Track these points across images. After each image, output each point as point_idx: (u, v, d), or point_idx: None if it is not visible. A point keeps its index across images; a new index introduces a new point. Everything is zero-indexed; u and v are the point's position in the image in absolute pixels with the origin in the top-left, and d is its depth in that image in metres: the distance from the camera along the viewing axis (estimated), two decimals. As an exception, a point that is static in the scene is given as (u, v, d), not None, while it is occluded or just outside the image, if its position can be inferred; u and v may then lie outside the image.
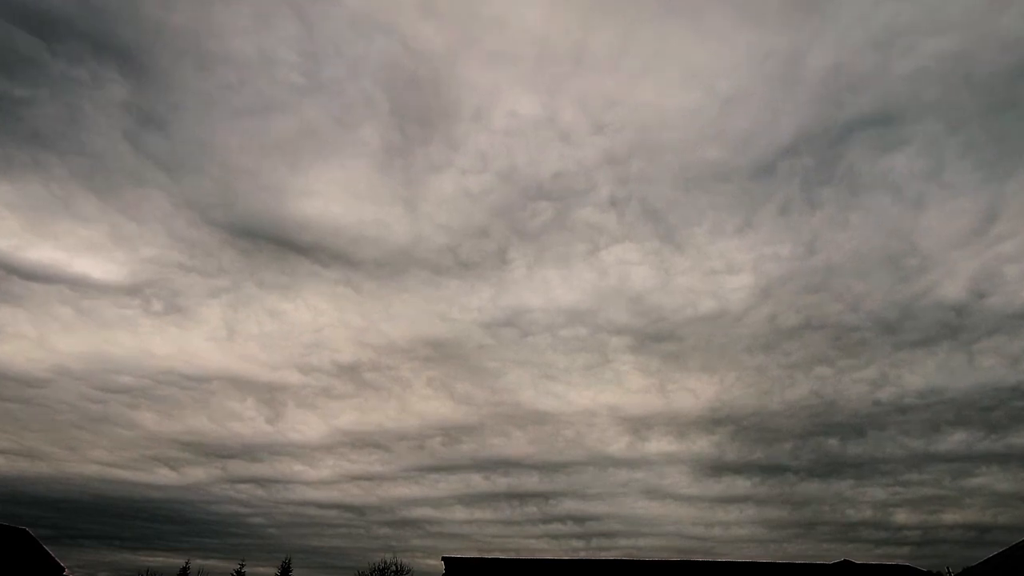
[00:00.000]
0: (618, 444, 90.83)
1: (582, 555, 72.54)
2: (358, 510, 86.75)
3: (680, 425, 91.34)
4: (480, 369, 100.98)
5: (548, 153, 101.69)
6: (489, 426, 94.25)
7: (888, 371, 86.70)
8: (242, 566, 47.14)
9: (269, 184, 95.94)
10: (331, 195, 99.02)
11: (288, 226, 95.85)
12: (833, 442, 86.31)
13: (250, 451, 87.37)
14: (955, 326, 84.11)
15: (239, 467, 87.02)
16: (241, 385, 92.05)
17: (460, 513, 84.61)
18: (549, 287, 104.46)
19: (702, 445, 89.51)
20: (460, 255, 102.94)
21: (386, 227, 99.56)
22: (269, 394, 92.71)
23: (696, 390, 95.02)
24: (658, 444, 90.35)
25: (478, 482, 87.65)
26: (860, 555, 68.11)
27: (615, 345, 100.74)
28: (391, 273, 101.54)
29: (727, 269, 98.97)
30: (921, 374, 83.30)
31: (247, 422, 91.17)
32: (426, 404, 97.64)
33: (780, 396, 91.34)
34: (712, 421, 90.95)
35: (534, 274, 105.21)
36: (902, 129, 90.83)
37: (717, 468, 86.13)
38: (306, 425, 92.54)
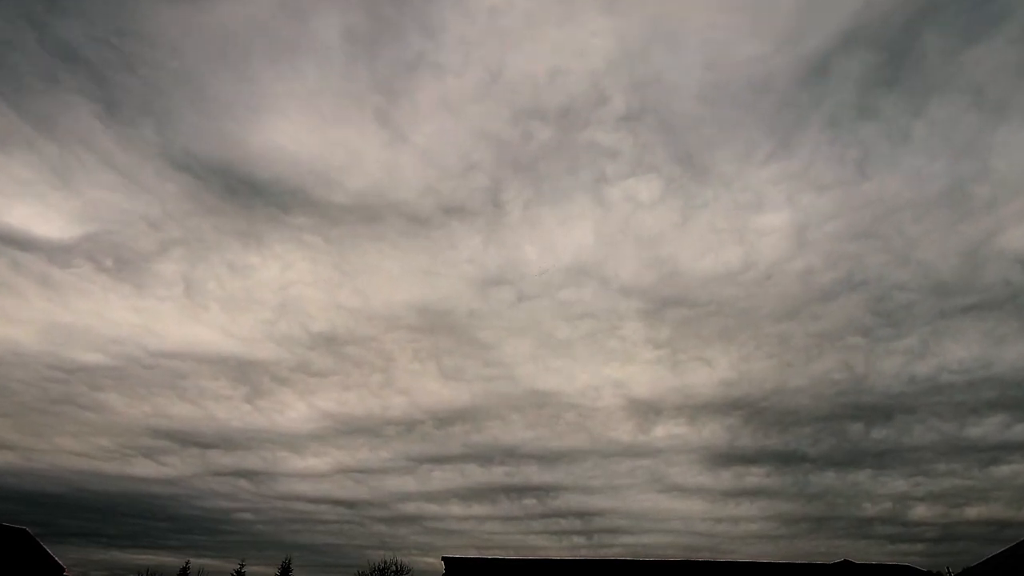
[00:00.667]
0: (624, 429, 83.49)
1: (583, 551, 71.04)
2: (350, 504, 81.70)
3: (691, 407, 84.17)
4: (472, 341, 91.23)
5: (544, 42, 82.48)
6: (483, 408, 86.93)
7: (929, 340, 75.16)
8: (242, 566, 47.08)
9: (214, 96, 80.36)
10: (287, 111, 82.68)
11: (240, 157, 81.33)
12: (857, 427, 76.61)
13: (230, 438, 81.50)
14: (1018, 286, 70.48)
15: (221, 458, 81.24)
16: (212, 362, 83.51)
17: (456, 508, 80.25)
18: (547, 233, 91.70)
19: (713, 430, 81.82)
20: (444, 197, 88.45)
21: (356, 155, 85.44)
22: (241, 371, 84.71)
23: (711, 361, 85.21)
24: (666, 428, 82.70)
25: (474, 472, 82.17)
26: (873, 553, 64.14)
27: (623, 310, 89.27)
28: (365, 219, 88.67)
29: (757, 205, 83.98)
30: (965, 344, 72.00)
31: (223, 403, 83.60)
32: (413, 381, 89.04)
33: (804, 370, 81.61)
34: (726, 402, 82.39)
35: (530, 216, 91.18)
36: (997, 5, 71.64)
37: (728, 456, 79.00)
38: (287, 406, 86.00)
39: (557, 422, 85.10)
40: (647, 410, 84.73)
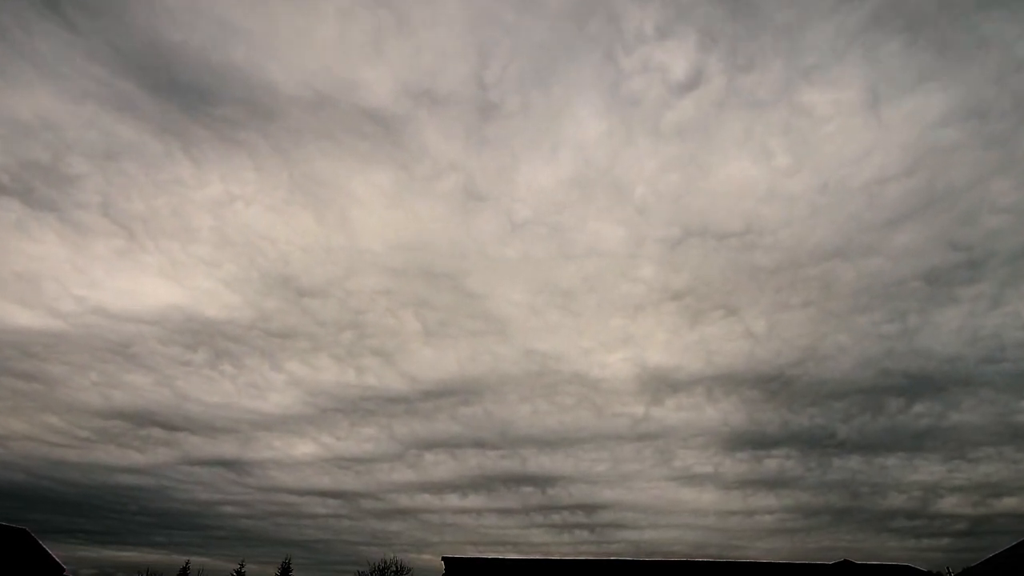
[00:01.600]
0: (632, 402, 74.85)
1: (584, 547, 69.21)
2: (342, 496, 76.80)
3: (709, 377, 74.32)
4: (456, 288, 79.55)
5: None
6: (473, 378, 77.86)
7: (1007, 287, 61.43)
8: (242, 566, 47.08)
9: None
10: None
11: (146, 22, 65.04)
12: (896, 400, 66.29)
13: (208, 422, 73.80)
14: None
15: (200, 445, 74.05)
16: (157, 322, 72.50)
17: (453, 500, 75.07)
18: (546, 130, 74.95)
19: (732, 404, 73.23)
20: (412, 81, 72.83)
21: (299, 29, 69.70)
22: (192, 332, 74.45)
23: (737, 311, 74.09)
24: (679, 401, 74.21)
25: (466, 457, 76.08)
26: (893, 549, 61.48)
27: (637, 243, 76.29)
28: (313, 112, 72.76)
29: (820, 66, 61.77)
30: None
31: (191, 379, 74.02)
32: (390, 340, 79.86)
33: (846, 323, 69.54)
34: (749, 369, 73.06)
35: (526, 103, 74.76)
36: None
37: (746, 438, 71.52)
38: (263, 378, 76.81)
39: (556, 394, 77.31)
40: (659, 380, 76.64)
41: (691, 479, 71.05)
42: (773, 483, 69.01)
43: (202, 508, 73.79)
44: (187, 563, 48.80)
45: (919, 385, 65.30)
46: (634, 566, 31.15)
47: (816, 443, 69.09)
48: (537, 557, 34.10)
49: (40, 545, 38.16)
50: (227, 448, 74.48)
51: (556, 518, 72.35)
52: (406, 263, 78.55)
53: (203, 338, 76.24)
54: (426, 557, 73.49)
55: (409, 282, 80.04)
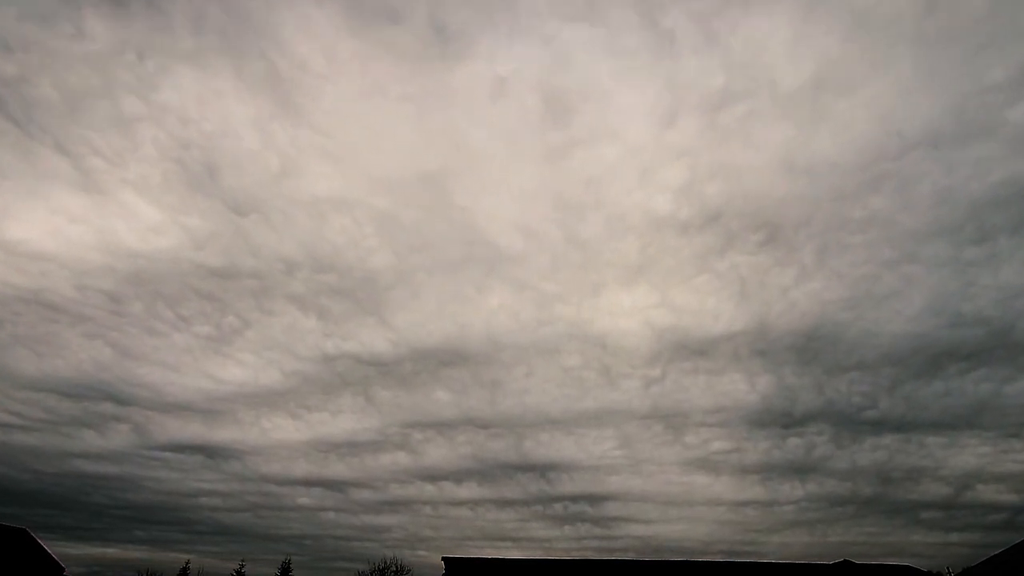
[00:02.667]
0: (643, 374, 67.55)
1: (588, 541, 66.37)
2: (328, 485, 70.94)
3: (736, 334, 66.07)
4: (441, 205, 72.62)
5: None
6: (457, 332, 71.59)
7: None
8: (242, 566, 47.01)
9: None
10: None
11: None
12: (955, 365, 57.15)
13: (162, 391, 66.60)
14: None
15: (163, 423, 67.18)
16: (78, 268, 63.24)
17: (442, 487, 70.71)
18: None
19: (760, 369, 65.51)
20: None
21: None
22: (116, 277, 64.49)
23: (758, 267, 65.83)
24: (696, 364, 67.33)
25: (462, 441, 70.29)
26: (917, 544, 56.79)
27: (647, 160, 67.15)
28: None
29: None
30: None
31: (133, 335, 66.54)
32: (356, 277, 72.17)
33: (896, 273, 59.90)
34: (786, 328, 64.35)
35: None
36: None
37: (772, 414, 64.12)
38: (233, 348, 69.58)
39: (568, 360, 69.80)
40: (674, 344, 69.24)
41: (706, 463, 65.14)
42: (798, 468, 62.76)
43: (176, 499, 69.31)
44: (187, 563, 48.83)
45: (991, 340, 55.06)
46: (634, 566, 31.17)
47: (851, 418, 61.80)
48: (538, 557, 34.11)
49: (40, 545, 38.18)
50: (195, 430, 68.75)
51: (557, 508, 67.59)
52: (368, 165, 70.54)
53: (131, 279, 67.99)
54: (420, 553, 70.04)
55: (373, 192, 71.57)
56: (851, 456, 60.74)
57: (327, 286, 74.17)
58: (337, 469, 71.78)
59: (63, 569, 38.53)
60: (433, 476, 70.97)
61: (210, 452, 69.32)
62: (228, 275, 71.73)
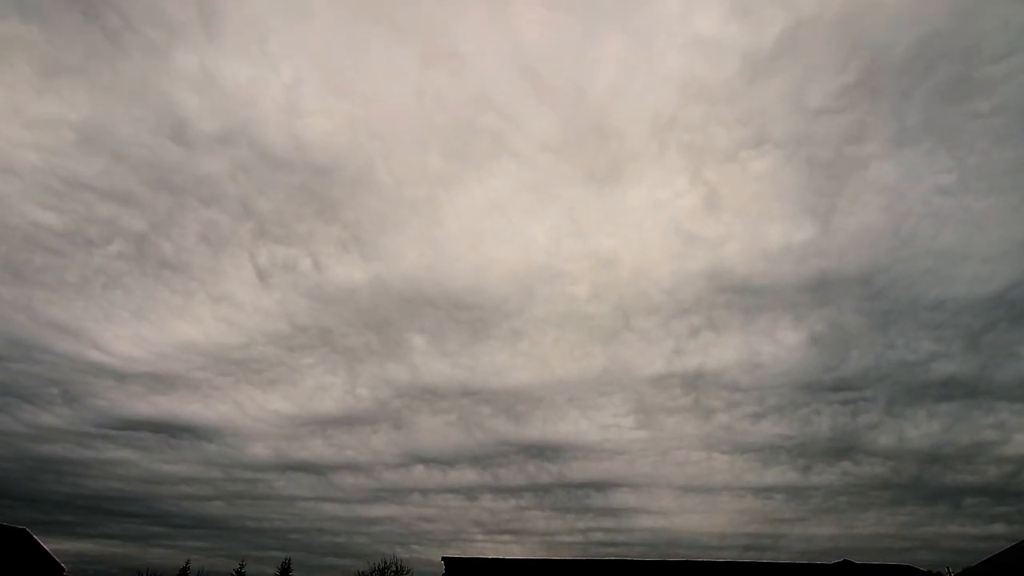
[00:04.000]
0: (659, 326, 60.53)
1: (596, 534, 64.50)
2: (308, 469, 65.39)
3: (781, 286, 57.44)
4: None
5: None
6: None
7: None
8: (242, 566, 47.00)
9: None
10: None
11: None
12: None
13: (116, 369, 60.45)
14: None
15: (113, 393, 60.64)
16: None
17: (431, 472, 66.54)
18: None
19: (808, 325, 57.07)
20: None
21: None
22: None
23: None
24: (731, 318, 59.06)
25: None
26: (951, 538, 51.59)
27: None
28: None
29: None
30: None
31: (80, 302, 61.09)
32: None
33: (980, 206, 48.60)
34: (840, 270, 55.20)
35: None
36: None
37: (817, 380, 55.50)
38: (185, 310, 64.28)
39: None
40: (686, 303, 61.73)
41: (731, 446, 58.67)
42: (837, 441, 54.79)
43: (142, 488, 63.96)
44: (187, 562, 48.83)
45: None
46: (635, 566, 31.21)
47: (906, 384, 52.75)
48: (538, 557, 34.16)
49: (40, 545, 38.13)
50: (143, 407, 62.12)
51: (562, 496, 62.38)
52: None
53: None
54: (415, 548, 67.87)
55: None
56: (900, 428, 52.17)
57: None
58: (305, 439, 66.36)
59: (63, 569, 38.48)
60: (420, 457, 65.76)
61: (170, 430, 63.73)
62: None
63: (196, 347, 65.67)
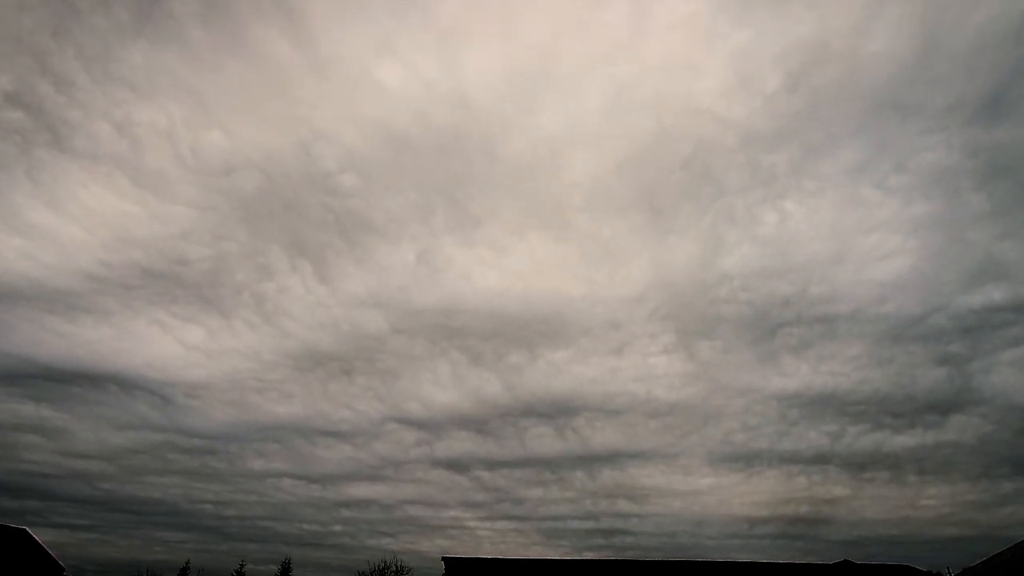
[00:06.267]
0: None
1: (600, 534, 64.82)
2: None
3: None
4: None
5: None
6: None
7: None
8: (242, 566, 47.00)
9: None
10: None
11: None
12: None
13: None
14: None
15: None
16: None
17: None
18: None
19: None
20: None
21: None
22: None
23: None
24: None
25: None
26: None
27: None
28: None
29: None
30: None
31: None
32: None
33: None
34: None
35: None
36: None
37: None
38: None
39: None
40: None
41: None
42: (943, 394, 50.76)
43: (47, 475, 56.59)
44: (187, 562, 48.84)
45: None
46: (635, 566, 31.22)
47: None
48: (537, 558, 34.22)
49: (40, 545, 38.19)
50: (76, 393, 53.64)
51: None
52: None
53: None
54: (411, 544, 65.14)
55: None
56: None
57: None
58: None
59: (63, 569, 38.53)
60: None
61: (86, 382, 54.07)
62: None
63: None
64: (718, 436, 62.75)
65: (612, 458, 64.29)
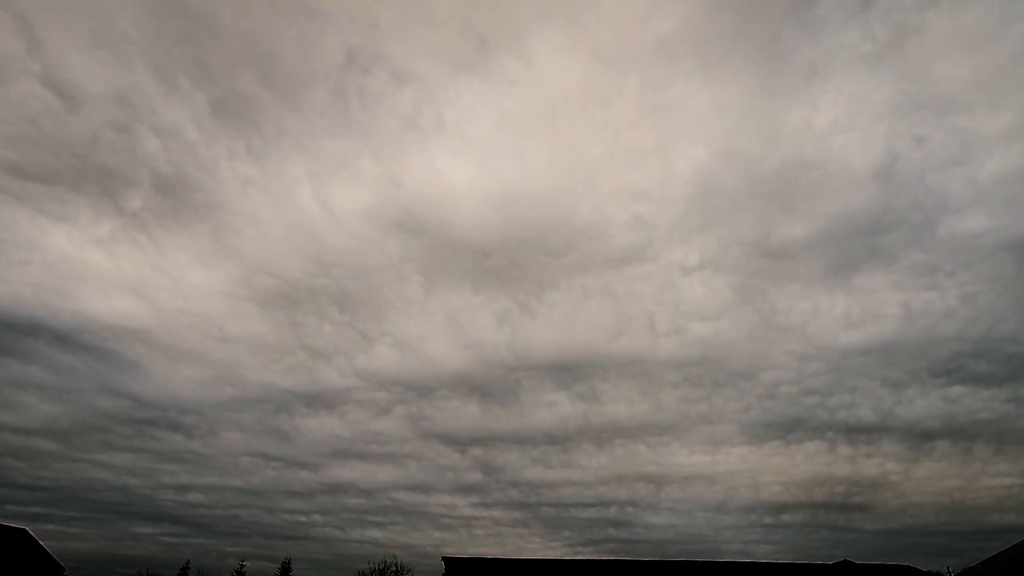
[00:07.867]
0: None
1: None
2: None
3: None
4: None
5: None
6: None
7: None
8: (242, 566, 46.94)
9: None
10: None
11: None
12: None
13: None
14: None
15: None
16: None
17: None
18: None
19: None
20: None
21: None
22: None
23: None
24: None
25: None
26: None
27: None
28: None
29: None
30: None
31: None
32: None
33: None
34: None
35: None
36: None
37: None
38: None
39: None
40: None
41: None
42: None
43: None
44: (187, 562, 48.81)
45: None
46: (635, 566, 31.24)
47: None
48: (537, 558, 34.25)
49: (40, 545, 38.18)
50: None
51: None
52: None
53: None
54: (407, 539, 63.88)
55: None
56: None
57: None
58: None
59: (63, 569, 38.52)
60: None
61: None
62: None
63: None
64: (756, 393, 56.18)
65: (626, 429, 60.03)
